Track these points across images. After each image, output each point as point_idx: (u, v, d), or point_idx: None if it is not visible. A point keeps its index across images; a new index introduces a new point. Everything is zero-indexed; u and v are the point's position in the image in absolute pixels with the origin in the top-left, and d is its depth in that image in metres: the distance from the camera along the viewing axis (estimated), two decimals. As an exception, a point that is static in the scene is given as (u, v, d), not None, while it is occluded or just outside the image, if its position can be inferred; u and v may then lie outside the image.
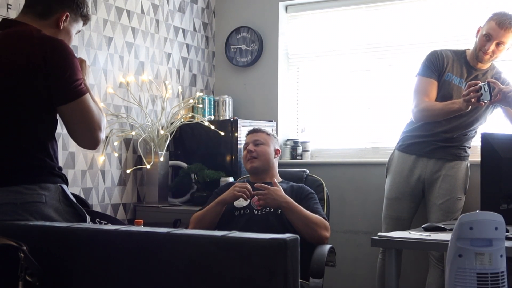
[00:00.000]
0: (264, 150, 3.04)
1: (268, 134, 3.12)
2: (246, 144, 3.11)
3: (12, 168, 1.91)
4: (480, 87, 2.99)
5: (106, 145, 3.67)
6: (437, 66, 3.29)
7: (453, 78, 3.28)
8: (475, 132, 3.38)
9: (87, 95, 1.97)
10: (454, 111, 3.15)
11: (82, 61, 2.08)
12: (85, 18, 2.15)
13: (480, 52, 3.20)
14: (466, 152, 3.39)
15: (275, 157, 3.11)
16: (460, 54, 3.33)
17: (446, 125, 3.29)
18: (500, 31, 3.12)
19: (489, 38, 3.15)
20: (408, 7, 4.07)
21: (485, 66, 3.30)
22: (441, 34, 3.97)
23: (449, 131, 3.31)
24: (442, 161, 3.33)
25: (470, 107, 3.08)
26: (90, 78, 3.56)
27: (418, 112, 3.27)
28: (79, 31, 2.19)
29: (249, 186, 2.87)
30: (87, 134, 1.98)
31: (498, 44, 3.16)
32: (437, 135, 3.31)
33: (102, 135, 2.01)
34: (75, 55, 2.02)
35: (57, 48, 1.93)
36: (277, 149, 3.13)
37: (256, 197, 2.85)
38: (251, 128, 3.26)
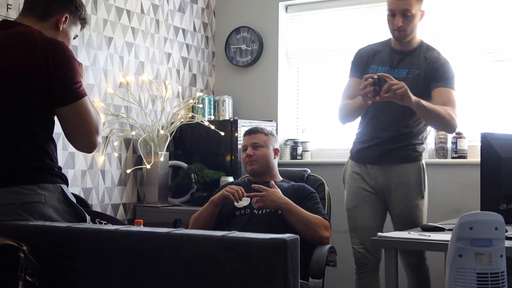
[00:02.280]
0: (263, 154, 3.04)
1: (266, 134, 3.11)
2: (245, 147, 3.10)
3: (11, 169, 1.91)
4: (375, 81, 2.75)
5: (106, 145, 3.67)
6: (360, 63, 3.09)
7: (378, 68, 3.02)
8: (424, 124, 3.02)
9: (86, 97, 1.98)
10: (359, 107, 2.93)
11: (79, 64, 2.09)
12: (83, 21, 2.17)
13: (394, 32, 2.96)
14: (416, 151, 3.03)
15: (274, 158, 3.10)
16: (385, 43, 3.09)
17: (380, 124, 3.03)
18: (396, 1, 2.92)
19: (392, 13, 2.94)
20: (408, 7, 4.06)
21: (410, 46, 3.02)
22: (441, 34, 3.97)
23: (386, 129, 3.01)
24: (390, 167, 3.01)
25: (370, 102, 2.84)
26: (90, 78, 3.57)
27: (338, 114, 3.10)
28: (77, 36, 2.19)
29: (241, 189, 2.87)
30: (84, 137, 1.98)
31: (404, 16, 2.90)
32: (378, 138, 3.03)
33: (99, 139, 2.01)
34: (75, 57, 2.03)
35: (59, 50, 1.93)
36: (276, 149, 3.12)
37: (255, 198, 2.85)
38: (248, 129, 3.25)
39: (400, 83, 2.73)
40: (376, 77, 2.75)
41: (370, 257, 2.97)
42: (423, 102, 2.79)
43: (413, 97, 2.75)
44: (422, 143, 3.07)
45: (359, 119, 3.10)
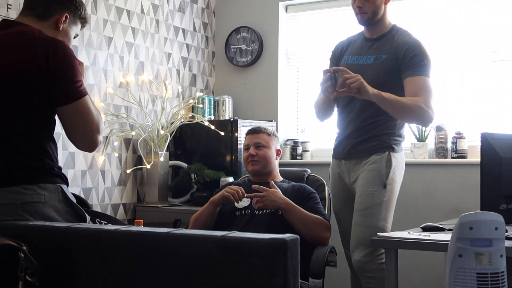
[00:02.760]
0: (265, 154, 3.04)
1: (269, 135, 3.11)
2: (247, 146, 3.09)
3: (11, 169, 1.91)
4: (331, 76, 2.61)
5: (106, 145, 3.67)
6: (334, 56, 3.00)
7: (348, 58, 2.88)
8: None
9: (87, 96, 1.98)
10: (323, 102, 2.85)
11: (80, 64, 2.09)
12: (83, 21, 2.16)
13: (357, 16, 2.82)
14: (384, 142, 2.79)
15: (276, 158, 3.10)
16: (361, 33, 2.94)
17: (347, 116, 2.87)
18: None
19: None
20: (408, 7, 4.07)
21: (380, 31, 2.83)
22: (441, 34, 3.97)
23: (353, 121, 2.84)
24: (360, 160, 2.83)
25: (332, 96, 2.71)
26: (90, 78, 3.57)
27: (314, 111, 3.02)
28: (77, 35, 2.19)
29: (241, 189, 2.87)
30: (85, 136, 1.98)
31: None
32: (346, 131, 2.88)
33: (100, 138, 2.01)
34: (75, 56, 2.03)
35: (59, 49, 1.93)
36: (278, 150, 3.13)
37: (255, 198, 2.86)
38: (251, 127, 3.25)
39: (355, 76, 2.57)
40: (332, 71, 2.62)
41: None
42: (384, 94, 2.62)
43: (371, 90, 2.59)
44: (393, 134, 2.82)
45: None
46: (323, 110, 2.93)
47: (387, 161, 2.76)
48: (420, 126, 3.88)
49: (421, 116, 2.67)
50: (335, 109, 2.97)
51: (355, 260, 2.74)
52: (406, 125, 3.87)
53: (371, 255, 2.70)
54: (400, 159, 2.83)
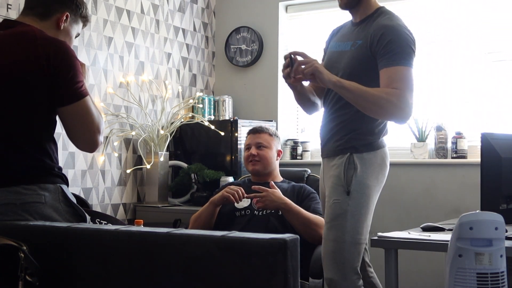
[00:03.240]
0: (266, 154, 3.04)
1: (271, 135, 3.11)
2: (249, 145, 3.09)
3: (11, 169, 1.91)
4: (289, 62, 2.35)
5: (106, 145, 3.67)
6: (326, 44, 2.69)
7: (333, 45, 2.58)
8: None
9: (88, 97, 1.98)
10: (294, 93, 2.56)
11: (82, 65, 2.09)
12: (85, 20, 2.16)
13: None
14: (349, 142, 2.43)
15: (277, 159, 3.11)
16: (349, 21, 2.62)
17: (326, 112, 2.58)
18: None
19: None
20: (408, 6, 4.07)
21: (363, 15, 2.50)
22: (441, 34, 3.97)
23: (330, 118, 2.53)
24: (329, 161, 2.52)
25: (296, 85, 2.45)
26: (90, 78, 3.57)
27: None
28: (79, 34, 2.19)
29: (241, 190, 2.87)
30: (86, 136, 1.98)
31: None
32: (324, 128, 2.58)
33: (101, 138, 2.01)
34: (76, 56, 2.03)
35: (60, 49, 1.93)
36: (279, 150, 3.13)
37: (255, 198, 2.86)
38: (251, 127, 3.25)
39: (310, 61, 2.32)
40: (289, 55, 2.37)
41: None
42: (345, 82, 2.31)
43: (328, 76, 2.30)
44: (360, 132, 2.42)
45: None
46: (299, 101, 2.62)
47: (348, 164, 2.39)
48: (419, 126, 3.88)
49: (390, 110, 2.31)
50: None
51: (326, 278, 2.40)
52: (407, 124, 3.93)
53: (345, 278, 2.33)
54: (373, 158, 2.42)
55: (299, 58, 2.37)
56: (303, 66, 2.32)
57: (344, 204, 2.37)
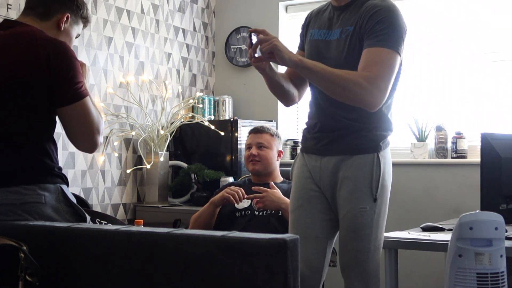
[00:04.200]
0: (267, 155, 3.04)
1: (272, 135, 3.11)
2: (249, 145, 3.09)
3: (11, 169, 1.91)
4: (250, 42, 2.13)
5: (106, 145, 3.67)
6: (303, 32, 2.42)
7: (314, 33, 2.31)
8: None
9: (88, 97, 1.98)
10: (265, 79, 2.28)
11: (82, 65, 2.09)
12: (85, 20, 2.16)
13: None
14: (368, 139, 2.21)
15: (277, 159, 3.11)
16: (328, 3, 2.34)
17: (320, 106, 2.29)
18: None
19: None
20: (408, 6, 4.07)
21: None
22: (441, 33, 3.97)
23: (326, 113, 2.25)
24: (337, 159, 2.22)
25: (263, 67, 2.17)
26: (90, 78, 3.57)
27: None
28: (79, 35, 2.19)
29: (241, 190, 2.87)
30: (85, 137, 1.98)
31: None
32: (319, 124, 2.29)
33: (101, 139, 2.01)
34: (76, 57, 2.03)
35: (60, 50, 1.93)
36: (280, 151, 3.13)
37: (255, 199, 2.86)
38: (252, 127, 3.25)
39: (269, 38, 2.07)
40: (249, 33, 2.15)
41: (312, 276, 2.24)
42: (308, 62, 2.11)
43: (289, 55, 2.07)
44: (379, 129, 2.22)
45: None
46: (272, 89, 2.34)
47: (375, 166, 2.18)
48: (419, 126, 3.88)
49: (358, 94, 2.07)
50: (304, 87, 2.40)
51: None
52: (407, 124, 3.94)
53: (370, 286, 2.21)
54: (388, 156, 2.27)
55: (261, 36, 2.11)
56: (260, 45, 2.08)
57: (371, 212, 2.16)
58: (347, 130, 2.21)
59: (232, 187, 2.93)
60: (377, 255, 2.22)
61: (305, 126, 2.37)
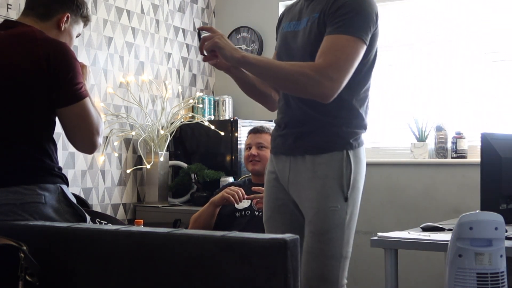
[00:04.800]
0: (267, 155, 3.04)
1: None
2: (249, 145, 3.09)
3: (11, 169, 1.91)
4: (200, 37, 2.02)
5: (106, 145, 3.67)
6: (277, 30, 2.30)
7: (285, 26, 2.18)
8: (350, 100, 2.07)
9: (87, 98, 1.98)
10: (235, 79, 2.19)
11: (83, 66, 2.09)
12: (86, 20, 2.16)
13: None
14: (341, 136, 2.05)
15: (277, 159, 3.10)
16: None
17: (286, 102, 2.15)
18: None
19: None
20: (408, 6, 4.07)
21: None
22: (441, 33, 3.97)
23: (293, 108, 2.11)
24: (302, 159, 2.08)
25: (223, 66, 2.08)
26: (90, 78, 3.56)
27: None
28: (80, 34, 2.19)
29: (241, 191, 2.87)
30: (85, 138, 1.98)
31: None
32: (284, 120, 2.15)
33: (100, 140, 2.01)
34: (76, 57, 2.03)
35: (60, 50, 1.93)
36: (280, 151, 3.12)
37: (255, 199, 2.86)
38: (251, 127, 3.25)
39: (211, 36, 1.96)
40: (198, 31, 2.06)
41: None
42: (251, 57, 1.98)
43: (232, 52, 1.94)
44: (349, 126, 2.06)
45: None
46: (246, 91, 2.24)
47: (344, 164, 2.03)
48: (419, 126, 3.88)
49: (307, 85, 1.92)
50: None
51: None
52: (407, 124, 3.94)
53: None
54: (362, 155, 2.10)
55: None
56: (204, 43, 1.97)
57: (342, 212, 2.01)
58: (314, 125, 2.06)
59: (232, 187, 2.93)
60: (346, 264, 2.04)
61: (274, 125, 2.24)
